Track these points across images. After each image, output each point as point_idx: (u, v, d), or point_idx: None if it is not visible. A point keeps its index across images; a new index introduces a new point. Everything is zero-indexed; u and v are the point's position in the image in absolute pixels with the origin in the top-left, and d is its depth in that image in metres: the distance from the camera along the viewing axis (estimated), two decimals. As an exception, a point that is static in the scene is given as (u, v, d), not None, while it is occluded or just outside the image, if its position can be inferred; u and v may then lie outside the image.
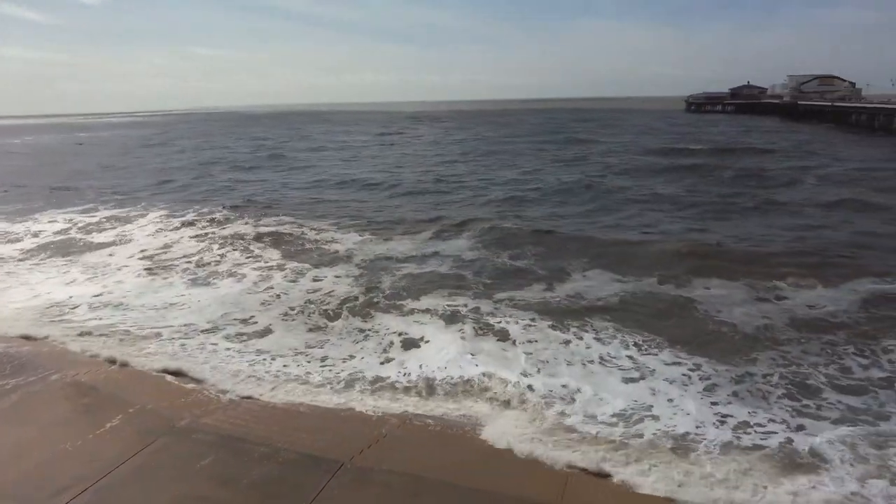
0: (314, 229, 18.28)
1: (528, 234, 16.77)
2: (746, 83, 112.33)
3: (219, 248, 16.28)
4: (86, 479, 5.85)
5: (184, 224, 19.62)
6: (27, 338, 10.07)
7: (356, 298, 11.79)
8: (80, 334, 10.17)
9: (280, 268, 14.27)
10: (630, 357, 8.77)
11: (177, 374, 8.53)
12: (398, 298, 11.79)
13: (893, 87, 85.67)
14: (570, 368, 8.45)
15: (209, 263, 14.94)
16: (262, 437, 6.68)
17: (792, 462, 6.00)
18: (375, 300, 11.71)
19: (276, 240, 17.05)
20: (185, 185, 31.16)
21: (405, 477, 5.88)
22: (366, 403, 7.62)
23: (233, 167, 39.20)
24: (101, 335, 10.15)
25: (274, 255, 15.43)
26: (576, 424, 6.88)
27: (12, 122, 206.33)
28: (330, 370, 8.73)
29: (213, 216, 20.65)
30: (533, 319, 10.31)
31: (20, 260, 15.96)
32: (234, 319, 10.92)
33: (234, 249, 16.12)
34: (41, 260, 15.92)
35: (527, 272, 13.42)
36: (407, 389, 8.04)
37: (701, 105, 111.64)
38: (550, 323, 10.12)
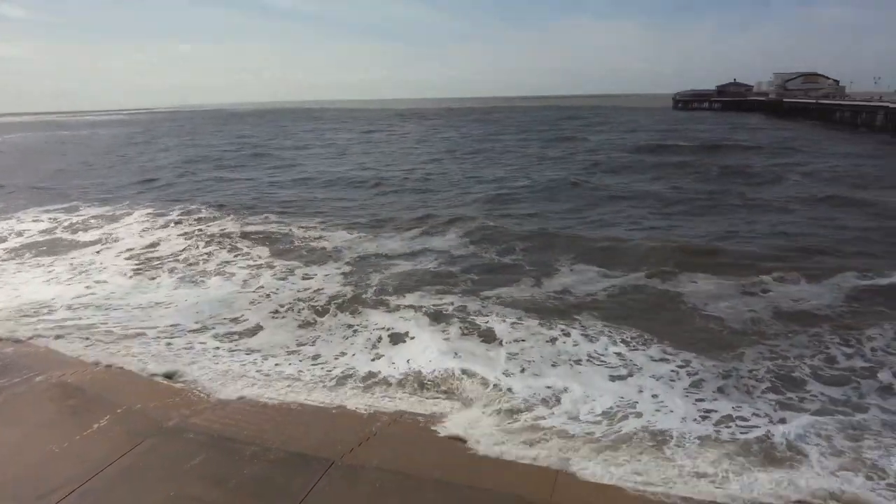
0: (302, 227, 18.22)
1: (515, 231, 16.83)
2: (733, 80, 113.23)
3: (206, 247, 16.19)
4: (73, 481, 5.80)
5: (170, 223, 19.49)
6: (11, 339, 9.93)
7: (345, 296, 11.76)
8: (66, 335, 10.05)
9: (269, 266, 14.23)
10: (618, 354, 8.82)
11: (165, 374, 8.45)
12: (385, 294, 11.81)
13: (876, 85, 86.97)
14: (555, 368, 8.43)
15: (197, 262, 14.85)
16: (252, 436, 6.66)
17: (768, 455, 6.10)
18: (364, 296, 11.71)
19: (264, 238, 16.98)
20: (170, 183, 30.97)
21: (396, 475, 5.90)
22: (356, 401, 7.62)
23: (218, 166, 38.94)
24: (86, 336, 10.03)
25: (262, 254, 15.37)
26: (555, 424, 6.87)
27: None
28: (321, 367, 8.74)
29: (200, 214, 20.52)
30: (520, 318, 10.32)
31: (5, 260, 15.75)
32: (224, 318, 10.87)
33: (221, 248, 16.03)
34: (26, 259, 15.72)
35: (514, 269, 13.48)
36: (399, 386, 8.05)
37: (688, 102, 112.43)
38: (538, 321, 10.12)
